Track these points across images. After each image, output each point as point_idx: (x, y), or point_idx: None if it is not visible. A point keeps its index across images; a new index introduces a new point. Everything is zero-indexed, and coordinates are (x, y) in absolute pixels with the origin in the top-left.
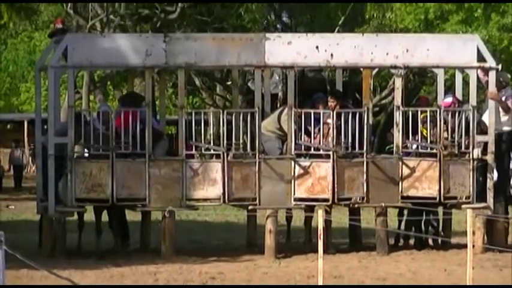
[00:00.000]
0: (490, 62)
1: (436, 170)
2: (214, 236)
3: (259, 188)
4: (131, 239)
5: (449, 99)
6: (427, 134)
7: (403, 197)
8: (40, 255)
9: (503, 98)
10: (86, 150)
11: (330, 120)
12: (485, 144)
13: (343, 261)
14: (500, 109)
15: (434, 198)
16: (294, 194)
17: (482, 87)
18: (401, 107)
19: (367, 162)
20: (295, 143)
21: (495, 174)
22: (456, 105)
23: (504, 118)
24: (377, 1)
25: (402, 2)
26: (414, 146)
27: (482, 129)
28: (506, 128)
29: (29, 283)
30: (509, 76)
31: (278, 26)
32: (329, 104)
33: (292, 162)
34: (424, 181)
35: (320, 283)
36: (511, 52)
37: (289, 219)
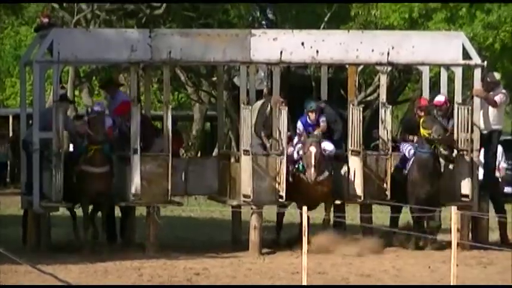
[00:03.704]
0: (476, 59)
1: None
2: (198, 232)
3: (247, 185)
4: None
5: (441, 98)
6: (429, 135)
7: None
8: (24, 250)
9: (491, 95)
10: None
11: (312, 149)
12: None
13: (327, 258)
14: (490, 107)
15: None
16: (280, 191)
17: (467, 84)
18: (386, 104)
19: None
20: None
21: (480, 172)
22: (448, 105)
23: (493, 117)
24: (363, 1)
25: (387, 1)
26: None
27: None
28: (495, 127)
29: (13, 278)
30: (496, 76)
31: (263, 22)
32: (311, 117)
33: (278, 159)
34: None
35: (304, 280)
36: (496, 50)
37: (279, 216)
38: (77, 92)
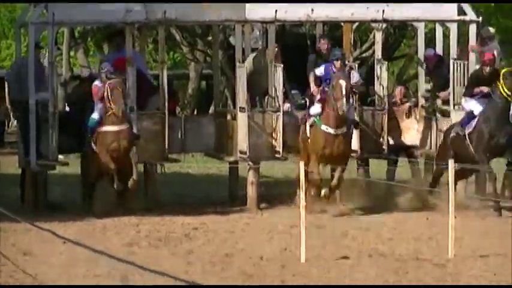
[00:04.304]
0: (471, 15)
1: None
2: (196, 188)
3: (243, 141)
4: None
5: (431, 52)
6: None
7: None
8: (23, 209)
9: (487, 50)
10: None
11: (342, 82)
12: None
13: (326, 212)
14: None
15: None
16: (277, 146)
17: (463, 41)
18: (381, 61)
19: None
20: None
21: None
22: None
23: None
24: None
25: None
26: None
27: None
28: None
29: (12, 236)
30: (491, 30)
31: None
32: (336, 65)
33: (274, 115)
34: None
35: (302, 233)
36: (490, 5)
37: None
38: (72, 53)
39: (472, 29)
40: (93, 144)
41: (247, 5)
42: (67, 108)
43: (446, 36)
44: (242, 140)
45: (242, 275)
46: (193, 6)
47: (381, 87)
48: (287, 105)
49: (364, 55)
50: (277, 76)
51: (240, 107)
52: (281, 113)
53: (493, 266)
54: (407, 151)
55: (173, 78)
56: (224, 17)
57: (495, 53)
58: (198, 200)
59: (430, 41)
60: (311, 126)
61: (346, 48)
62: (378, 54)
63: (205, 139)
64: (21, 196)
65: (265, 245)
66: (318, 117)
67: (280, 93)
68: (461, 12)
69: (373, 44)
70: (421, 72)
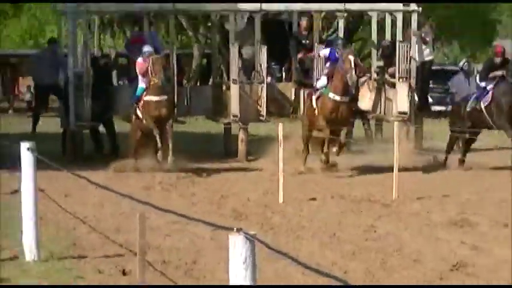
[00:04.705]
0: (413, 6)
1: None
2: (198, 144)
3: (235, 107)
4: None
5: (385, 43)
6: None
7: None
8: (64, 160)
9: (423, 35)
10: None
11: (350, 57)
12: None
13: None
14: (422, 44)
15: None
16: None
17: (407, 26)
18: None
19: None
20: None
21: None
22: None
23: (426, 51)
24: None
25: None
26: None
27: None
28: (427, 58)
29: (55, 182)
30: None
31: None
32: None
33: (260, 86)
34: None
35: (280, 180)
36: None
37: None
38: (102, 36)
39: (414, 17)
40: (138, 111)
41: None
42: (98, 80)
43: (393, 23)
44: (234, 106)
45: (234, 213)
46: None
47: None
48: (269, 78)
49: (329, 38)
50: (262, 55)
51: (232, 79)
52: (265, 85)
53: (426, 205)
54: (362, 115)
55: (181, 56)
56: (221, 7)
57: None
58: (200, 153)
59: (380, 27)
60: (317, 98)
61: (316, 32)
62: (340, 36)
63: (206, 105)
64: (62, 150)
65: (252, 189)
66: (325, 88)
67: (264, 69)
68: (406, 4)
69: (337, 29)
70: (374, 52)
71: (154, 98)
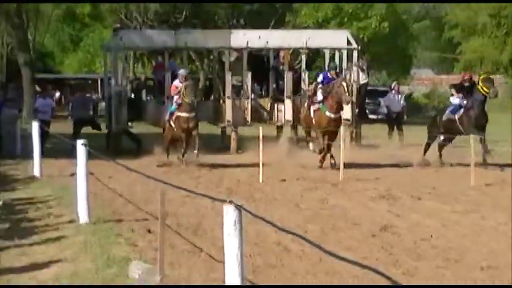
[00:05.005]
0: (354, 45)
1: None
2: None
3: (229, 115)
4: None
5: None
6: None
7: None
8: (107, 152)
9: (361, 64)
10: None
11: (344, 83)
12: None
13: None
14: (360, 71)
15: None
16: (247, 118)
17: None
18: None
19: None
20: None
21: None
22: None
23: (362, 76)
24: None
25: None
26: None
27: None
28: (364, 82)
29: (102, 168)
30: (364, 67)
31: (241, 22)
32: (331, 74)
33: (246, 101)
34: None
35: (260, 167)
36: (365, 40)
37: None
38: (135, 65)
39: (355, 53)
40: (171, 122)
41: (231, 36)
42: (132, 96)
43: (340, 57)
44: (228, 115)
45: (227, 190)
46: (203, 37)
47: (305, 86)
48: (253, 95)
49: (296, 67)
50: (248, 79)
51: (227, 96)
52: (250, 100)
53: (363, 185)
54: None
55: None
56: (219, 44)
57: (363, 65)
58: (204, 148)
59: (331, 60)
60: (315, 110)
61: (286, 64)
62: (303, 66)
63: (208, 114)
64: (106, 145)
65: (240, 173)
66: (322, 105)
67: (249, 89)
68: (349, 42)
69: (300, 61)
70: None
71: (185, 115)
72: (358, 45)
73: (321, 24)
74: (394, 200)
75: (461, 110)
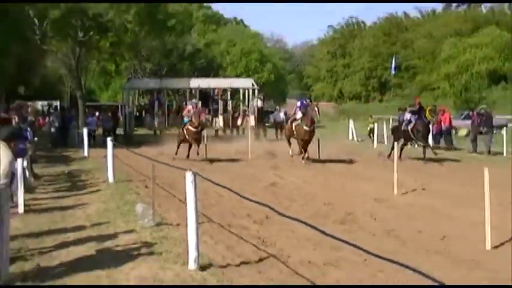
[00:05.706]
0: (255, 87)
1: None
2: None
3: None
4: None
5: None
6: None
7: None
8: (124, 145)
9: (260, 96)
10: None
11: (313, 113)
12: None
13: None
14: (259, 100)
15: None
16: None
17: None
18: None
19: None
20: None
21: None
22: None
23: (259, 102)
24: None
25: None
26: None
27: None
28: (260, 106)
29: (121, 154)
30: (261, 98)
31: (195, 73)
32: (307, 102)
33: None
34: None
35: (249, 154)
36: (264, 82)
37: None
38: (139, 97)
39: (256, 91)
40: (185, 130)
41: (190, 81)
42: (137, 114)
43: (249, 92)
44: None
45: (220, 170)
46: (175, 82)
47: (230, 108)
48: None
49: (224, 97)
50: (220, 106)
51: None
52: (220, 120)
53: (266, 162)
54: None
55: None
56: (183, 86)
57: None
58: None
59: (244, 93)
60: (296, 126)
61: (219, 95)
62: (229, 97)
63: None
64: (123, 141)
65: (236, 163)
66: (301, 121)
67: (220, 113)
68: (253, 85)
69: (227, 94)
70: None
71: (193, 129)
72: (257, 87)
73: (238, 75)
74: (280, 170)
75: (412, 124)
